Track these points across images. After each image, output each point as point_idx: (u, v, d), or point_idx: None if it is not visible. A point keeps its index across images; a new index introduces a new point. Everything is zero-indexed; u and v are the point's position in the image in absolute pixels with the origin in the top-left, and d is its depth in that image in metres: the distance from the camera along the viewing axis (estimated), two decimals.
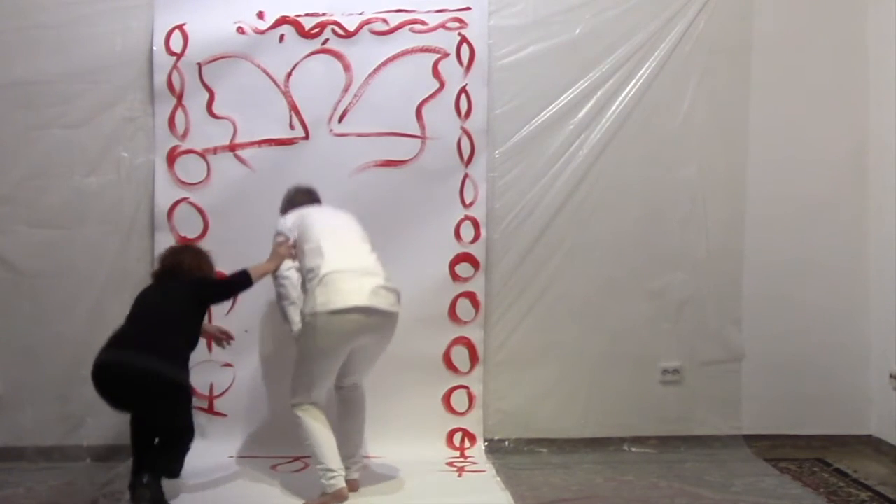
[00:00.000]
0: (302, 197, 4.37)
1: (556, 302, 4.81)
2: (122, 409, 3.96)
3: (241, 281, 4.06)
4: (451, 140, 4.72)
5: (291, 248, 4.11)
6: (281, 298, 4.08)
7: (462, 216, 4.74)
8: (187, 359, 3.98)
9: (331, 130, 4.68)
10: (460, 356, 4.76)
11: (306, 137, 4.67)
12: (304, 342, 3.96)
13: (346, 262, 3.97)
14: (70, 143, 4.62)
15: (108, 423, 4.60)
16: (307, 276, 3.98)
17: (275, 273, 4.10)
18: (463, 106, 4.72)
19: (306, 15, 4.67)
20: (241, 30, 4.64)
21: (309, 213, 4.22)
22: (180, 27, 4.62)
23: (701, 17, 4.78)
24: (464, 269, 4.75)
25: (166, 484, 3.91)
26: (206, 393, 4.65)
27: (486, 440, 4.77)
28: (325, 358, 3.94)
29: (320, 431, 3.96)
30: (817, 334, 4.92)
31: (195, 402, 4.47)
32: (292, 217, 4.21)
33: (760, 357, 4.88)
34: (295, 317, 4.01)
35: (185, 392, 3.97)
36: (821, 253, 4.91)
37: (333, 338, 3.89)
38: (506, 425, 4.81)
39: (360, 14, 4.70)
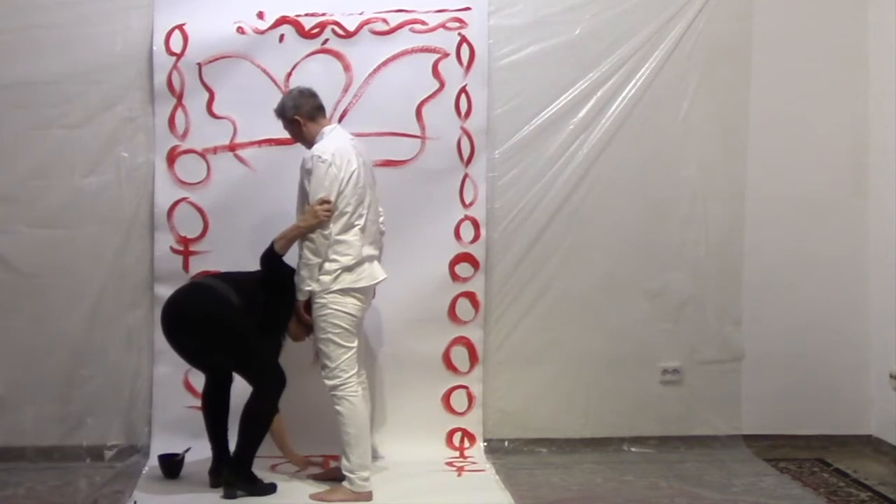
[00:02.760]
0: (309, 103, 4.17)
1: (555, 302, 4.81)
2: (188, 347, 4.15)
3: (267, 255, 4.10)
4: (451, 140, 4.72)
5: (328, 212, 3.97)
6: (315, 255, 3.97)
7: (462, 216, 4.74)
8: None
9: None
10: (460, 356, 4.76)
11: None
12: (331, 319, 3.99)
13: (373, 245, 4.13)
14: (70, 143, 4.62)
15: (108, 423, 4.62)
16: (336, 245, 3.99)
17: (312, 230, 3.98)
18: (463, 106, 4.72)
19: (306, 15, 4.67)
20: (241, 30, 4.64)
21: (350, 159, 4.04)
22: (180, 27, 4.61)
23: (701, 17, 4.78)
24: (464, 269, 4.75)
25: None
26: None
27: (485, 440, 4.77)
28: (354, 326, 4.03)
29: (361, 427, 4.02)
30: (817, 334, 4.92)
31: (195, 402, 4.49)
32: (336, 153, 4.02)
33: (760, 357, 4.88)
34: (316, 276, 3.99)
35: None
36: (821, 252, 4.91)
37: (361, 306, 4.05)
38: (505, 425, 4.80)
39: (360, 14, 4.70)
